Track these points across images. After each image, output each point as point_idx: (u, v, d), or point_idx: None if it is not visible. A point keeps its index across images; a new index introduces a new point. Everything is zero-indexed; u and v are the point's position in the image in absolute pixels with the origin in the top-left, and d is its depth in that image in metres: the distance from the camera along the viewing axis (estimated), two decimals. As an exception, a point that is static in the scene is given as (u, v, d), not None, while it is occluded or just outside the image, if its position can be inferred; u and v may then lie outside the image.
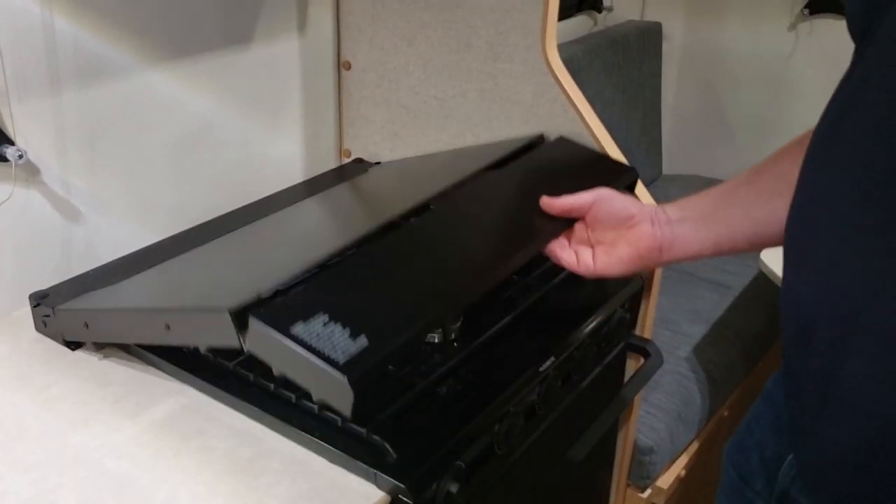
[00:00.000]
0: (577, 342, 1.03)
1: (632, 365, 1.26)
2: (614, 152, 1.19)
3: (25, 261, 1.03)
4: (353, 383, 0.67)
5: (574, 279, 1.13)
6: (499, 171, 1.05)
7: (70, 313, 0.95)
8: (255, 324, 0.73)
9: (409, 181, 1.18)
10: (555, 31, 1.20)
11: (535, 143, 1.13)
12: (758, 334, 1.78)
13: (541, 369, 0.96)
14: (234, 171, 1.29)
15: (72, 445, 0.83)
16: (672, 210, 0.86)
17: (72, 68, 1.01)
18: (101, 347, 0.98)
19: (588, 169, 1.05)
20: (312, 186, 1.37)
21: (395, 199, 1.09)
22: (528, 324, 1.03)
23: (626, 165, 1.09)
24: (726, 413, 1.69)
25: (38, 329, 1.01)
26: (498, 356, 0.97)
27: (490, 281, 0.84)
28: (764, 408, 0.84)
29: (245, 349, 0.75)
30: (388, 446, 0.80)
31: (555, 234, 0.90)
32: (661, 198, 2.46)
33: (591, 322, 1.06)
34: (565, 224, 0.91)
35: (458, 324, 0.99)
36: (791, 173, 0.74)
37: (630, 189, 1.08)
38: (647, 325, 1.25)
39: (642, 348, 1.18)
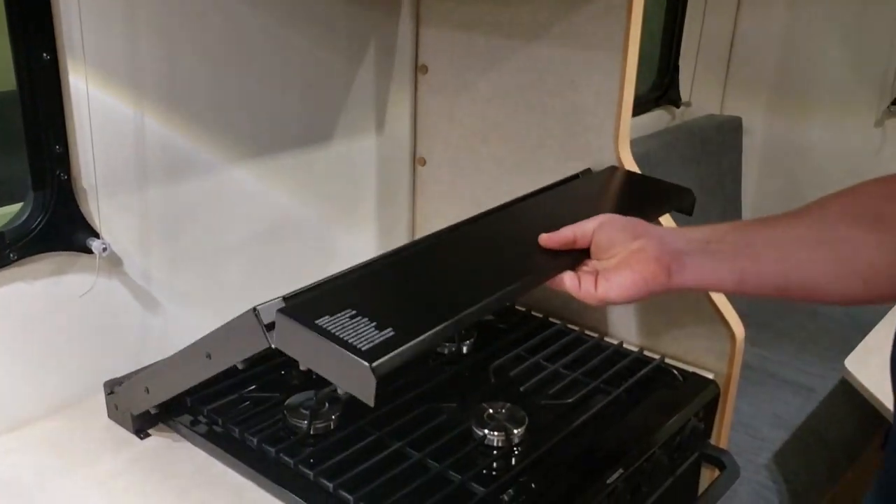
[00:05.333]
0: (647, 453, 0.99)
1: (707, 476, 1.20)
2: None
3: (103, 348, 1.07)
4: (375, 370, 0.67)
5: (646, 382, 1.11)
6: (544, 195, 1.06)
7: (132, 383, 0.98)
8: (280, 319, 0.74)
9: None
10: (628, 133, 1.19)
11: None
12: (845, 443, 1.69)
13: (608, 481, 0.93)
14: (310, 264, 1.31)
15: (133, 539, 0.84)
16: (694, 235, 0.79)
17: (158, 166, 1.06)
18: (169, 435, 1.00)
19: (636, 191, 1.06)
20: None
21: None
22: (595, 432, 1.00)
23: (680, 186, 1.07)
24: (810, 528, 1.59)
25: (110, 416, 1.03)
26: (563, 465, 0.94)
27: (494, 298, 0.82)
28: None
29: (272, 345, 0.76)
30: (445, 559, 0.78)
31: (561, 267, 0.84)
32: (739, 297, 2.37)
33: (663, 431, 1.03)
34: (576, 256, 0.86)
35: (523, 428, 0.97)
36: (838, 226, 0.71)
37: (687, 212, 1.07)
38: (724, 434, 1.20)
39: (718, 459, 1.13)
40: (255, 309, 0.76)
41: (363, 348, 0.69)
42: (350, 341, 0.70)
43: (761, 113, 2.34)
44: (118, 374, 1.05)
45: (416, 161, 1.44)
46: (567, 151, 1.25)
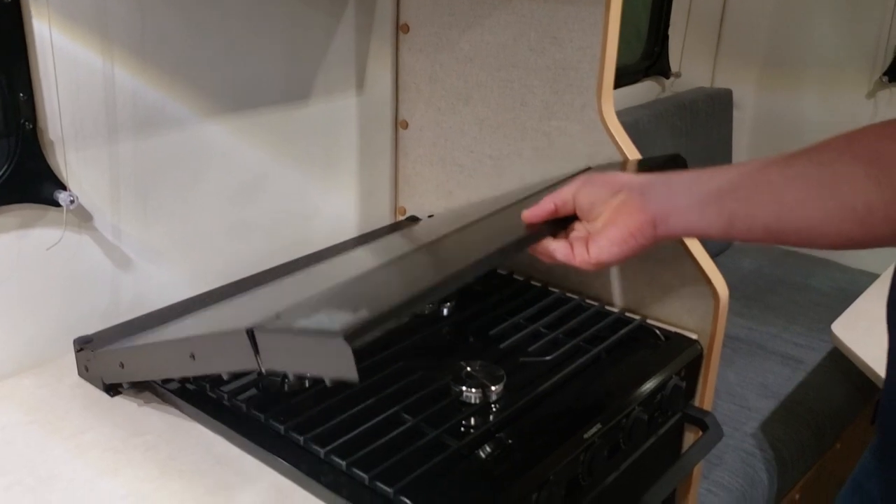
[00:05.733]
0: (626, 409, 0.98)
1: (690, 439, 1.18)
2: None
3: (73, 305, 1.05)
4: (348, 339, 0.65)
5: (627, 342, 1.10)
6: (533, 195, 1.04)
7: (107, 353, 0.96)
8: (259, 335, 0.73)
9: (449, 221, 1.17)
10: (611, 88, 1.17)
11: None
12: (833, 414, 1.68)
13: (585, 436, 0.91)
14: (287, 225, 1.29)
15: (98, 492, 0.82)
16: (677, 179, 0.76)
17: (129, 118, 1.03)
18: (139, 393, 0.98)
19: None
20: (365, 242, 1.36)
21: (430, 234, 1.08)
22: (574, 388, 0.99)
23: (670, 155, 1.06)
24: (797, 496, 1.58)
25: (80, 374, 1.01)
26: (540, 420, 0.92)
27: (479, 265, 0.79)
28: (855, 500, 0.77)
29: (262, 369, 0.74)
30: (415, 509, 0.76)
31: (542, 232, 0.82)
32: (732, 269, 2.37)
33: (643, 389, 1.01)
34: (558, 222, 0.83)
35: (501, 385, 0.95)
36: (833, 165, 0.67)
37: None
38: (707, 396, 1.18)
39: (700, 420, 1.11)
40: (248, 330, 0.74)
41: (335, 328, 0.67)
42: (323, 328, 0.69)
43: (752, 86, 2.31)
44: (89, 332, 1.03)
45: (399, 124, 1.42)
46: (550, 110, 1.23)
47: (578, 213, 0.82)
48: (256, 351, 0.74)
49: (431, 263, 0.86)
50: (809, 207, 0.67)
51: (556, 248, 0.82)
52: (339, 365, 0.66)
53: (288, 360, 0.73)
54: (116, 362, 0.94)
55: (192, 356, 0.83)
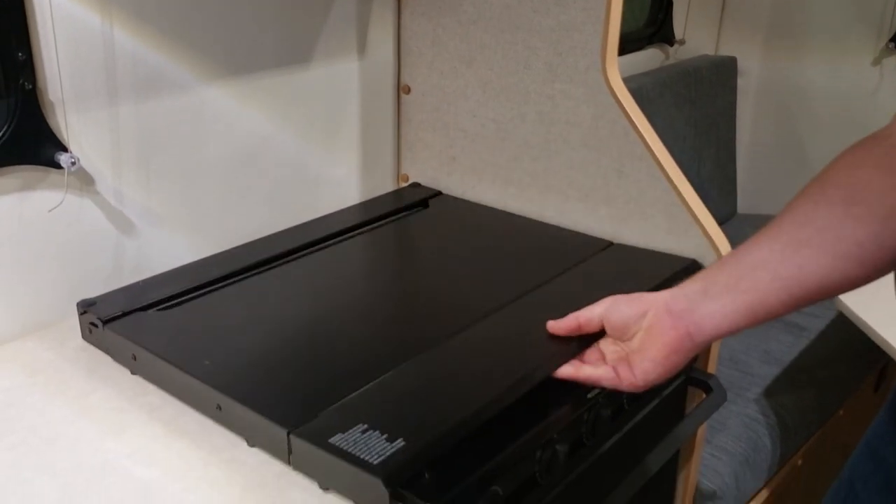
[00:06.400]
0: (630, 370, 0.97)
1: (693, 401, 1.19)
2: (677, 176, 1.14)
3: (76, 269, 1.04)
4: (386, 482, 0.70)
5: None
6: (558, 278, 1.09)
7: (120, 339, 0.95)
8: (295, 441, 0.77)
9: (463, 278, 1.15)
10: (616, 51, 1.16)
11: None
12: (836, 382, 1.68)
13: (589, 396, 0.91)
14: (289, 190, 1.29)
15: (103, 452, 0.82)
16: (691, 289, 0.78)
17: (129, 81, 1.03)
18: (143, 357, 0.98)
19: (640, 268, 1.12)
20: (367, 209, 1.35)
21: (446, 300, 1.09)
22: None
23: (680, 257, 1.14)
24: (800, 462, 1.59)
25: (84, 337, 1.01)
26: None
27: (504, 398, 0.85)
28: (869, 466, 0.77)
29: (291, 466, 0.79)
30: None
31: (567, 353, 0.86)
32: (735, 238, 2.36)
33: (647, 350, 1.01)
34: (584, 340, 0.87)
35: (504, 347, 0.95)
36: (812, 219, 0.70)
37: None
38: (711, 360, 1.18)
39: (704, 382, 1.11)
40: (289, 433, 0.77)
41: (374, 462, 0.72)
42: (362, 457, 0.72)
43: (757, 53, 2.29)
44: (92, 295, 1.03)
45: (401, 89, 1.40)
46: (554, 73, 1.22)
47: (611, 333, 0.85)
48: (290, 451, 0.78)
49: (471, 380, 0.88)
50: (809, 269, 0.69)
51: (600, 375, 0.83)
52: (372, 499, 0.72)
53: (320, 472, 0.77)
54: (129, 354, 0.94)
55: (219, 407, 0.85)
